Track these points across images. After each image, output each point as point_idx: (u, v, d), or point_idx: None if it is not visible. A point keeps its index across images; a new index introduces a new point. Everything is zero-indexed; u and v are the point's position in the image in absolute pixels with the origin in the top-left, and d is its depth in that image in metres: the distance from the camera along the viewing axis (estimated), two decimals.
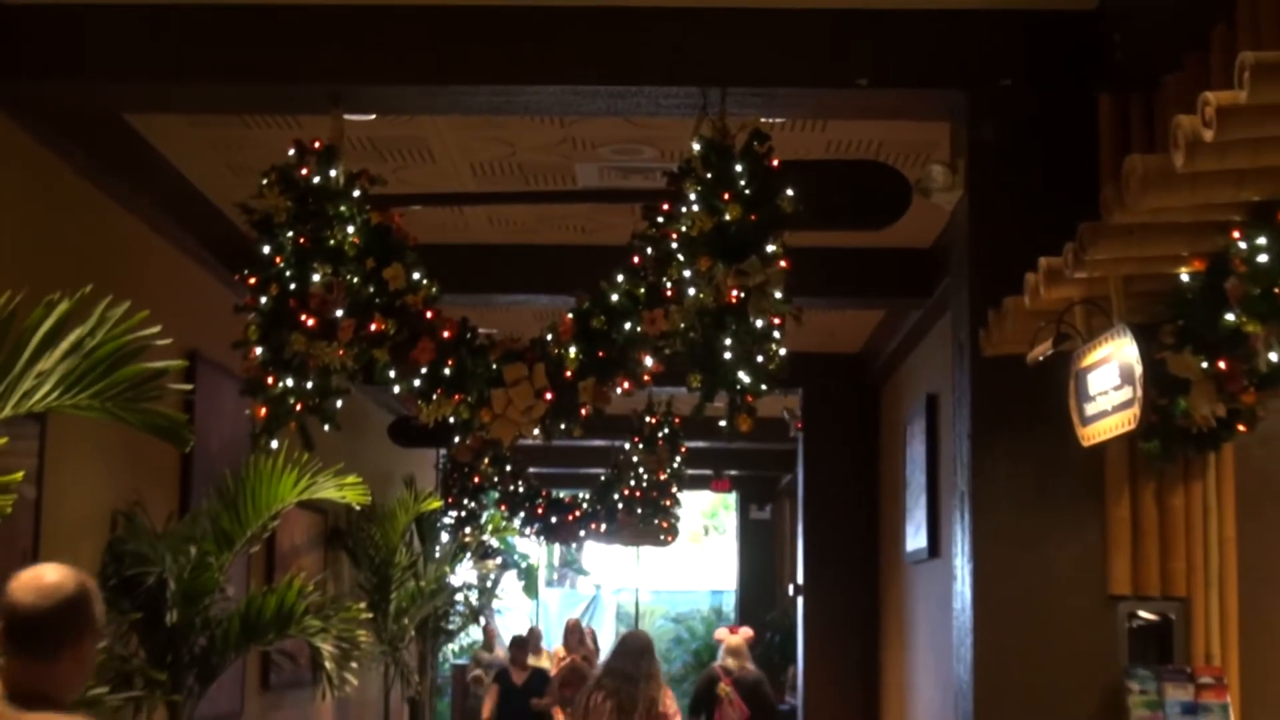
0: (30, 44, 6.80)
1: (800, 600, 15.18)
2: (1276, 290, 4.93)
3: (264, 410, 6.91)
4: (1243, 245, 5.06)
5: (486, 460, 16.74)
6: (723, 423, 6.90)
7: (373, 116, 7.81)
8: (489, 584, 19.78)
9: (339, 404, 7.07)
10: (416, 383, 6.96)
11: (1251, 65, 4.04)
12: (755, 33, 6.79)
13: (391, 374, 6.99)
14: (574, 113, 7.87)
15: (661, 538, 17.54)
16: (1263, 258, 4.94)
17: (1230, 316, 5.34)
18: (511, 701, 14.77)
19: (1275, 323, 5.04)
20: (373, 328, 6.89)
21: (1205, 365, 5.73)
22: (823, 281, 9.83)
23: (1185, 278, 5.64)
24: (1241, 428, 6.32)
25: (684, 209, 6.73)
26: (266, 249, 6.93)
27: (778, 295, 6.68)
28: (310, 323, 6.83)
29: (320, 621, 8.82)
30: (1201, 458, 6.65)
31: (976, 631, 6.69)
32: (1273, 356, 5.31)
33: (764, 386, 6.74)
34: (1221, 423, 6.17)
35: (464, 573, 17.89)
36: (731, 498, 26.19)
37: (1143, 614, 6.67)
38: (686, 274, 6.71)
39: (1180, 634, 6.66)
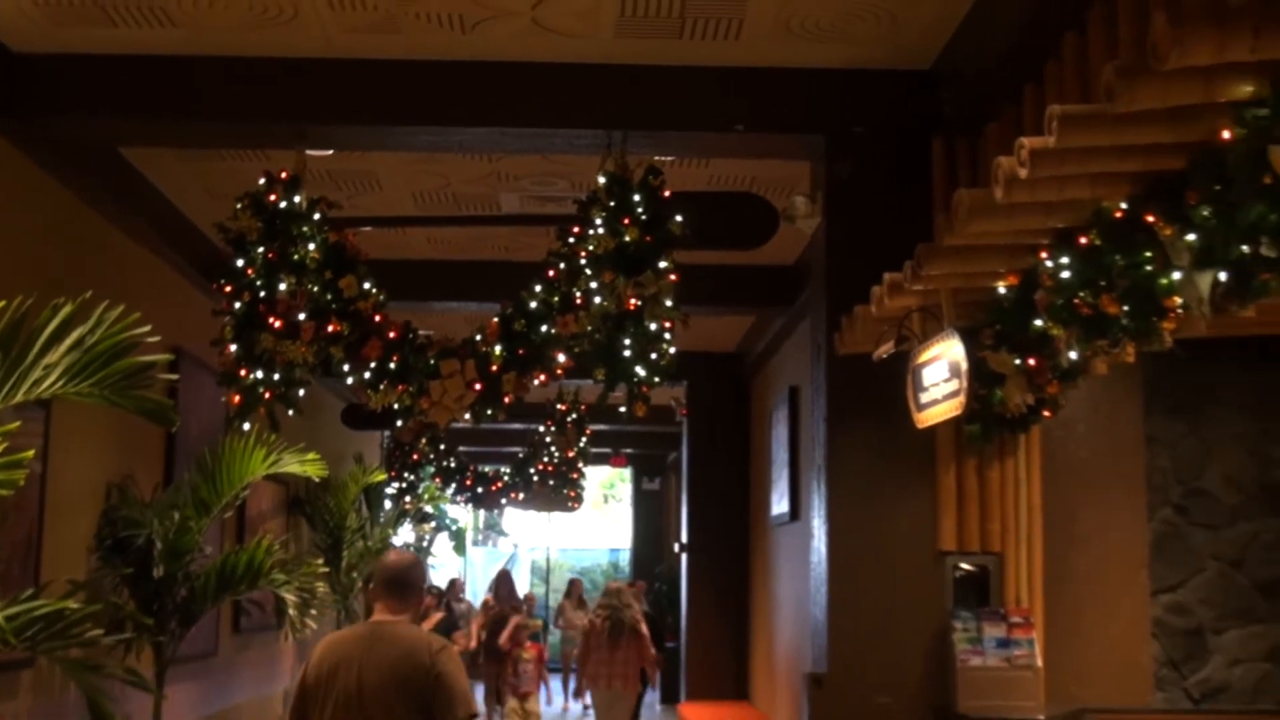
0: (37, 86, 6.69)
1: (684, 556, 15.23)
2: (1076, 301, 5.00)
3: (237, 398, 6.86)
4: (1049, 264, 5.12)
5: (425, 440, 16.69)
6: (622, 409, 6.92)
7: (331, 152, 7.75)
8: (425, 544, 19.70)
9: (301, 393, 7.01)
10: (366, 375, 6.96)
11: (1059, 116, 4.09)
12: (651, 86, 6.79)
13: (345, 368, 6.98)
14: (499, 150, 7.86)
15: (569, 505, 17.61)
16: (1065, 274, 5.00)
17: (1039, 322, 5.40)
18: None
19: (1075, 328, 5.11)
20: (330, 329, 6.88)
21: (1018, 362, 5.81)
22: (705, 292, 9.84)
23: (1002, 290, 5.70)
24: (1047, 413, 6.43)
25: (591, 231, 6.73)
26: (240, 262, 6.88)
27: (669, 303, 6.71)
28: (277, 324, 6.80)
29: (284, 575, 8.77)
30: (1014, 438, 6.74)
31: (830, 581, 6.73)
32: (1073, 355, 5.40)
33: (657, 379, 6.77)
34: (1030, 409, 6.27)
35: (404, 534, 17.83)
36: (627, 472, 26.19)
37: (965, 566, 6.74)
38: (593, 285, 6.71)
39: (996, 582, 6.73)
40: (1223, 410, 7.74)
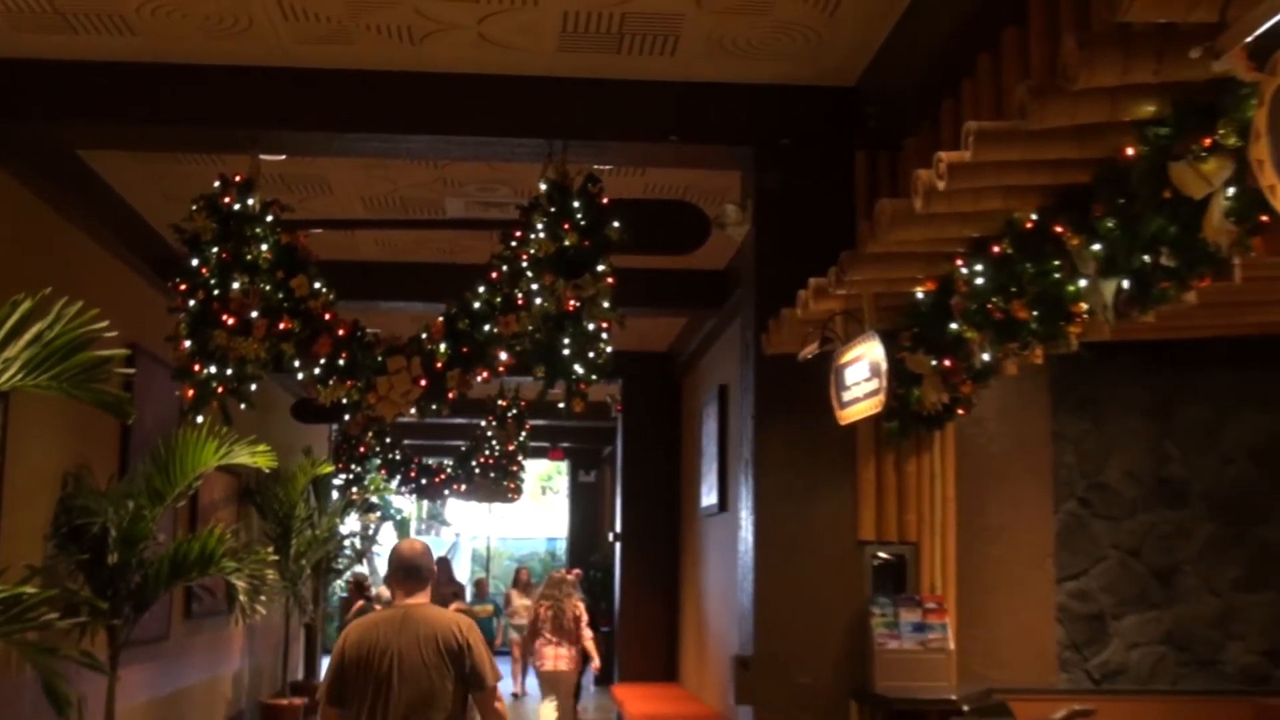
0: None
1: (618, 546, 15.23)
2: (989, 306, 5.04)
3: (191, 392, 6.79)
4: (964, 271, 5.16)
5: (371, 434, 16.59)
6: (561, 405, 6.91)
7: (283, 157, 7.66)
8: (370, 532, 19.58)
9: (253, 388, 6.95)
10: (316, 371, 6.91)
11: (975, 132, 4.12)
12: (591, 98, 6.79)
13: (296, 364, 6.93)
14: (445, 157, 7.82)
15: (509, 496, 17.55)
16: (979, 281, 5.05)
17: (954, 326, 5.44)
18: None
19: (988, 331, 5.15)
20: (281, 326, 6.83)
21: (934, 363, 5.85)
22: (641, 294, 9.84)
23: (920, 295, 5.74)
24: (961, 412, 6.48)
25: (532, 235, 6.73)
26: (195, 262, 6.82)
27: (606, 305, 6.71)
28: (230, 322, 6.74)
29: (235, 563, 8.69)
30: (930, 434, 6.79)
31: (756, 569, 6.76)
32: (985, 357, 5.43)
33: (594, 377, 6.77)
34: (945, 408, 6.32)
35: (350, 523, 17.71)
36: (564, 465, 26.13)
37: (883, 555, 6.77)
38: (534, 287, 6.70)
39: (912, 570, 6.78)
40: (1123, 409, 7.85)
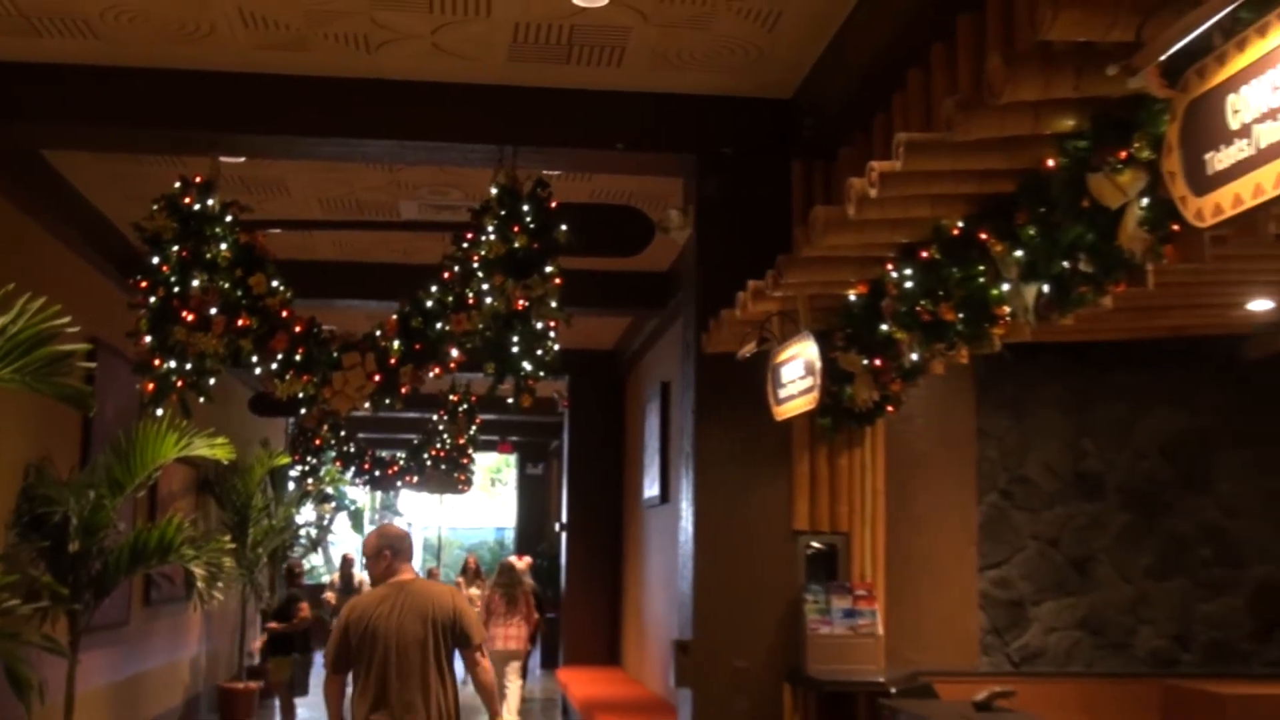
0: None
1: (564, 535, 15.22)
2: (917, 308, 5.08)
3: (151, 386, 6.71)
4: (894, 275, 5.19)
5: (327, 427, 16.46)
6: (510, 400, 6.89)
7: (243, 159, 7.59)
8: (325, 522, 19.44)
9: (211, 382, 6.88)
10: (273, 366, 6.86)
11: (905, 143, 4.15)
12: (541, 106, 6.77)
13: (254, 359, 6.87)
14: (399, 161, 7.77)
15: (459, 487, 17.53)
16: (908, 284, 5.08)
17: (884, 327, 5.47)
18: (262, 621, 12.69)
19: (916, 332, 5.18)
20: (240, 323, 6.78)
21: (865, 362, 5.88)
22: (587, 295, 9.82)
23: (853, 297, 5.76)
24: (890, 409, 6.52)
25: (483, 238, 6.70)
26: (155, 260, 6.74)
27: (554, 305, 6.71)
28: (190, 318, 6.67)
29: (194, 551, 8.61)
30: (861, 430, 6.82)
31: (695, 557, 6.76)
32: (914, 356, 5.47)
33: (542, 374, 6.76)
34: (876, 405, 6.35)
35: (306, 513, 17.58)
36: (513, 458, 26.08)
37: (816, 544, 6.80)
38: (485, 287, 6.68)
39: (843, 559, 6.80)
40: (1043, 407, 7.91)
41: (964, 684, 6.65)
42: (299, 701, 12.47)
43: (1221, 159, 2.66)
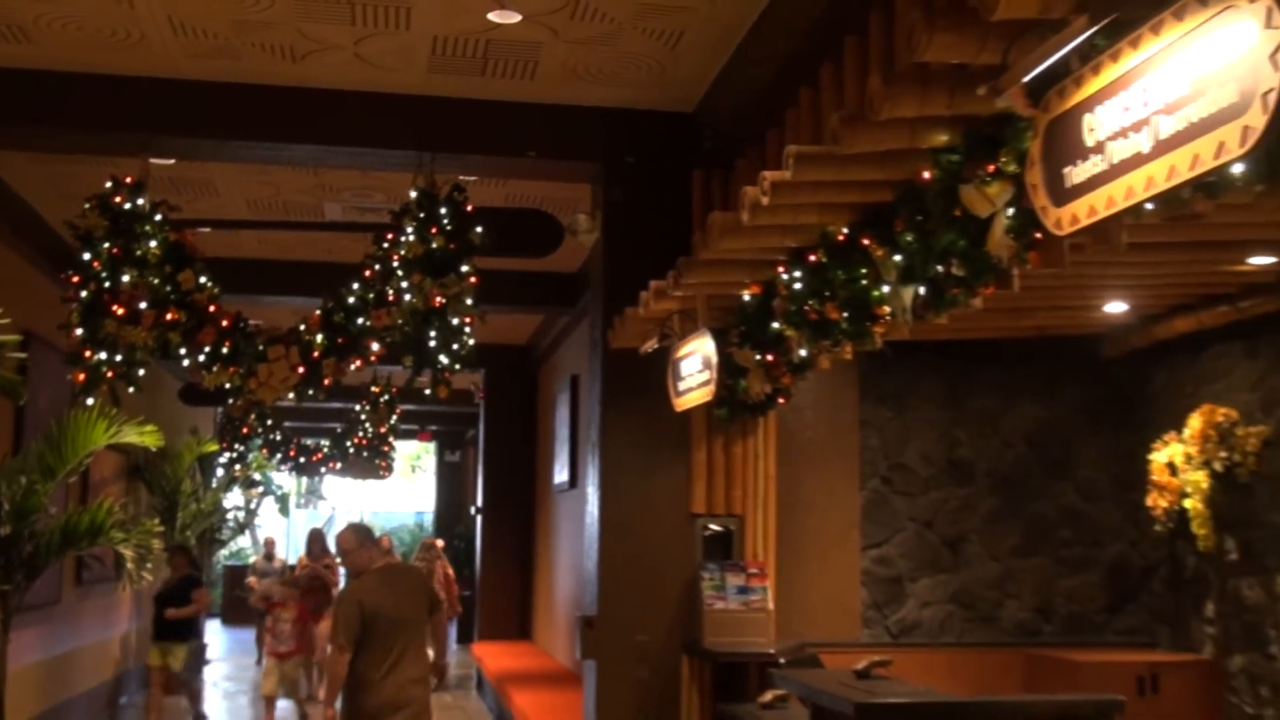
0: None
1: (479, 518, 15.13)
2: (805, 308, 5.12)
3: (82, 376, 6.53)
4: (785, 276, 5.23)
5: (253, 416, 16.17)
6: (427, 391, 6.84)
7: (173, 161, 7.41)
8: (252, 506, 19.10)
9: (141, 373, 6.72)
10: (201, 358, 6.72)
11: (794, 155, 4.18)
12: (458, 115, 6.71)
13: (182, 351, 6.73)
14: (324, 165, 7.65)
15: (380, 473, 17.30)
16: (797, 285, 5.12)
17: (776, 325, 5.51)
18: (155, 606, 10.41)
19: (804, 330, 5.22)
20: (168, 317, 6.62)
21: (758, 358, 5.91)
22: (502, 293, 9.76)
23: (747, 297, 5.79)
24: (781, 400, 6.55)
25: (403, 238, 6.63)
26: (87, 256, 6.55)
27: (469, 302, 6.65)
28: (120, 312, 6.50)
29: (123, 533, 8.37)
30: (754, 420, 6.86)
31: (601, 538, 6.76)
32: (802, 352, 5.51)
33: (457, 366, 6.71)
34: (768, 397, 6.39)
35: (234, 498, 17.26)
36: (432, 445, 25.84)
37: (713, 526, 6.83)
38: (404, 285, 6.61)
39: (737, 540, 6.85)
40: (920, 400, 8.03)
41: (847, 654, 6.73)
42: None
43: (1078, 173, 2.71)
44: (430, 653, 6.23)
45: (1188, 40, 2.29)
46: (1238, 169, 2.43)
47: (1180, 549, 7.54)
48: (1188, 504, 7.13)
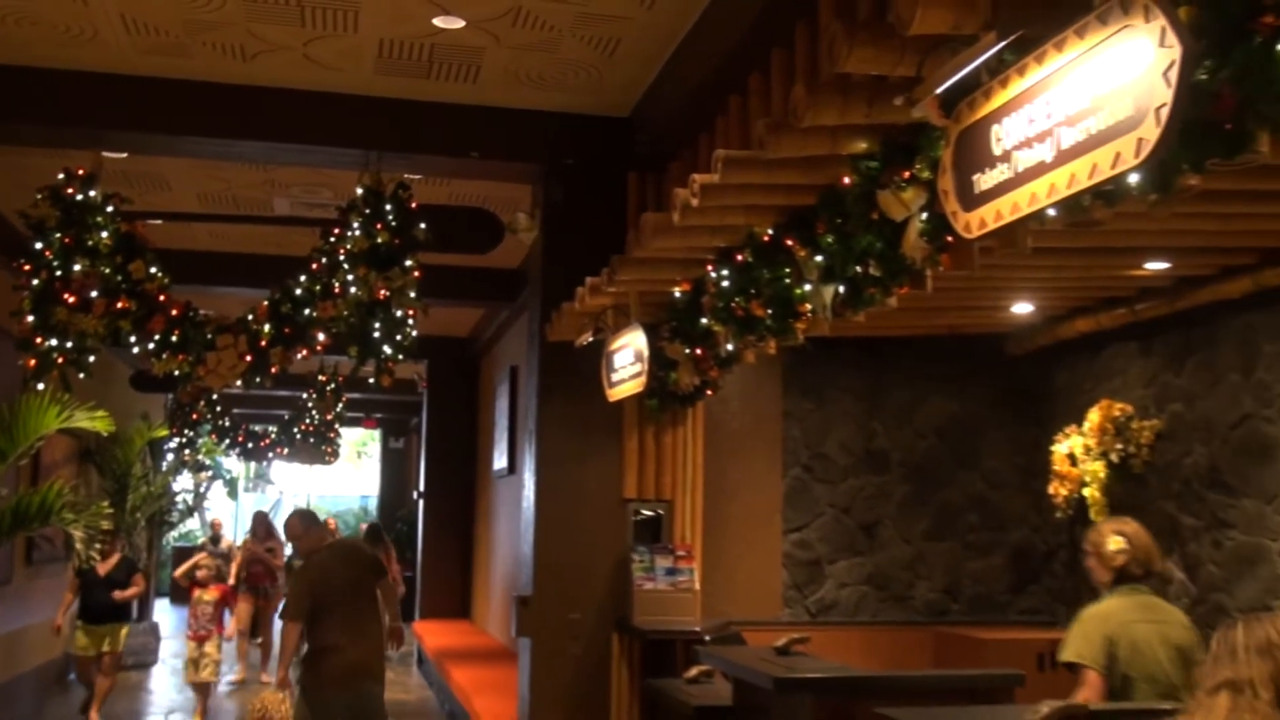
0: None
1: (421, 503, 15.03)
2: (732, 305, 5.13)
3: (33, 362, 6.41)
4: (713, 274, 5.24)
5: (203, 402, 15.92)
6: (371, 380, 6.77)
7: (125, 155, 7.28)
8: (202, 490, 18.81)
9: (91, 359, 6.59)
10: (151, 345, 6.61)
11: (723, 159, 4.19)
12: (404, 116, 6.63)
13: (132, 339, 6.62)
14: (273, 162, 7.53)
15: (327, 459, 17.13)
16: (725, 283, 5.13)
17: (704, 320, 5.52)
18: (93, 592, 9.48)
19: (731, 326, 5.24)
20: (119, 305, 6.52)
21: (688, 351, 5.92)
22: (445, 287, 9.68)
23: (678, 294, 5.80)
24: (709, 392, 6.58)
25: (349, 233, 6.56)
26: (39, 245, 6.42)
27: (413, 295, 6.60)
28: (71, 300, 6.38)
29: (73, 515, 8.20)
30: (683, 411, 6.86)
31: (537, 522, 6.74)
32: (729, 347, 5.53)
33: (401, 357, 6.66)
34: (697, 389, 6.40)
35: (183, 482, 16.98)
36: (377, 433, 25.60)
37: (643, 511, 6.83)
38: (349, 278, 6.54)
39: (666, 524, 6.85)
40: (840, 393, 8.09)
41: (768, 632, 6.75)
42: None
43: (986, 180, 2.73)
44: (385, 619, 6.48)
45: (1088, 57, 2.32)
46: (1133, 179, 2.47)
47: (1079, 534, 7.65)
48: (1086, 492, 7.25)
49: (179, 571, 10.71)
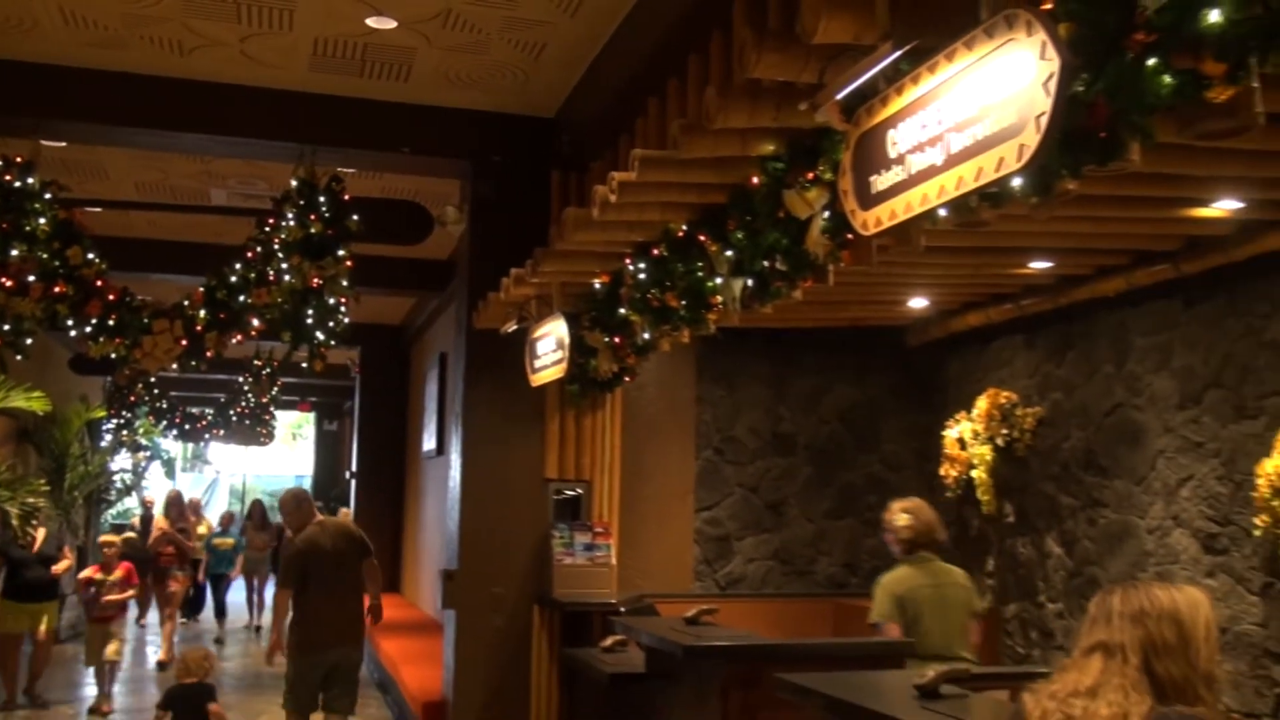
0: None
1: (354, 482, 14.85)
2: (649, 296, 5.13)
3: None
4: (631, 267, 5.23)
5: (141, 385, 15.55)
6: (304, 365, 6.67)
7: (64, 144, 7.06)
8: (139, 470, 18.37)
9: (29, 342, 6.40)
10: (88, 329, 6.44)
11: (639, 158, 4.18)
12: (337, 111, 6.52)
13: (69, 323, 6.44)
14: (209, 154, 7.37)
15: (262, 440, 16.85)
16: (642, 276, 5.13)
17: (623, 310, 5.52)
18: (25, 570, 8.67)
19: (648, 316, 5.24)
20: (57, 290, 6.33)
21: (607, 340, 5.91)
22: (378, 277, 9.56)
23: (597, 285, 5.79)
24: (627, 378, 6.58)
25: (284, 223, 6.45)
26: None
27: (345, 284, 6.52)
28: (9, 284, 6.19)
29: (9, 492, 7.98)
30: (602, 396, 6.86)
31: (463, 501, 6.70)
32: (646, 336, 5.53)
33: (333, 342, 6.59)
34: (615, 375, 6.40)
35: (121, 461, 16.56)
36: (312, 415, 25.24)
37: (564, 490, 6.82)
38: (284, 266, 6.43)
39: (585, 502, 6.85)
40: (750, 380, 8.12)
41: (680, 604, 6.75)
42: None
43: (882, 181, 2.75)
44: (367, 595, 6.55)
45: (976, 68, 2.35)
46: (1016, 182, 2.51)
47: (967, 513, 7.80)
48: (974, 474, 7.38)
49: (87, 564, 9.88)
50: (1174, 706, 2.06)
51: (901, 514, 4.92)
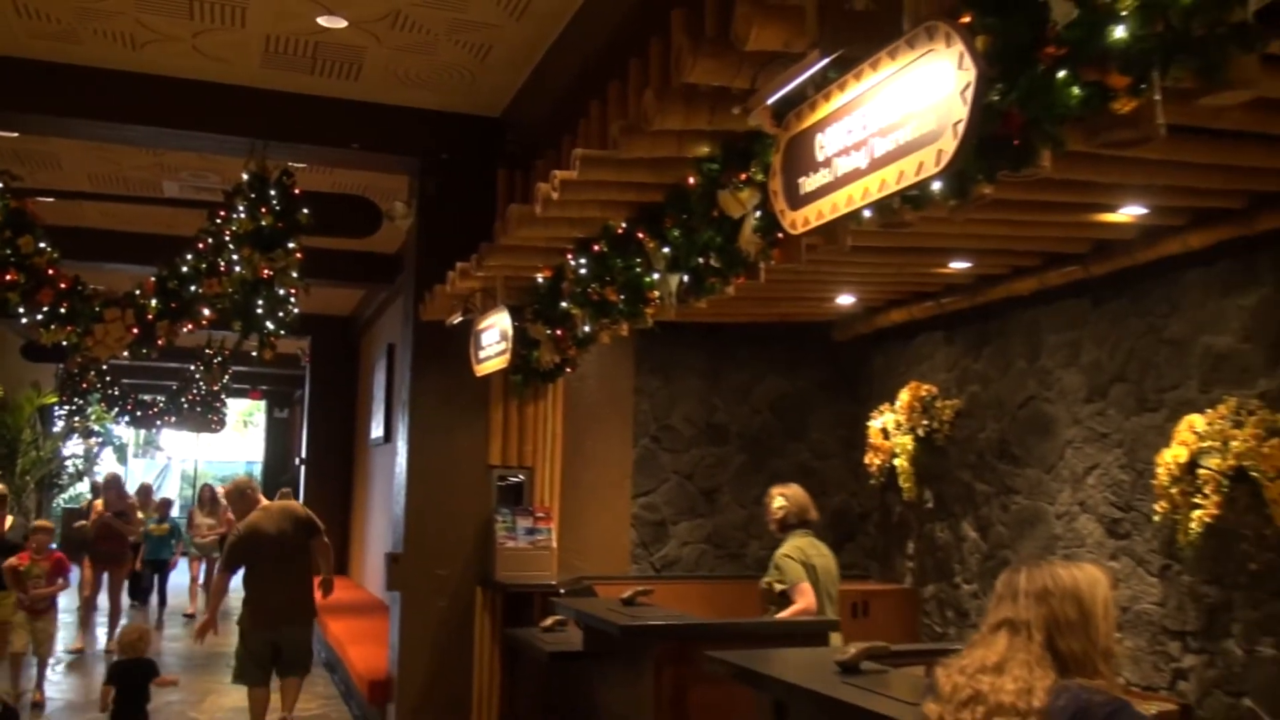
0: None
1: (303, 468, 14.66)
2: (589, 290, 5.12)
3: None
4: (572, 262, 5.22)
5: (93, 372, 15.20)
6: (254, 353, 6.56)
7: (16, 134, 6.88)
8: (92, 455, 17.98)
9: None
10: (39, 317, 6.29)
11: (581, 158, 4.17)
12: (289, 107, 6.42)
13: (20, 310, 6.28)
14: (162, 146, 7.21)
15: (213, 427, 16.57)
16: (583, 271, 5.11)
17: (564, 304, 5.50)
18: None
19: (588, 309, 5.23)
20: (8, 278, 6.19)
21: (549, 332, 5.89)
22: (327, 269, 9.44)
23: (540, 279, 5.76)
24: (568, 369, 6.55)
25: (235, 215, 6.34)
26: None
27: (295, 275, 6.42)
28: None
29: None
30: (545, 386, 6.82)
31: (408, 486, 6.64)
32: (586, 328, 5.51)
33: (282, 332, 6.48)
34: (557, 366, 6.36)
35: (73, 446, 16.20)
36: (263, 403, 24.84)
37: (507, 476, 6.79)
38: (234, 258, 6.33)
39: (528, 488, 6.83)
40: (685, 372, 8.15)
41: (617, 585, 6.77)
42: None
43: (810, 183, 2.77)
44: (321, 571, 6.66)
45: (899, 76, 2.37)
46: (936, 186, 2.54)
47: (889, 499, 7.90)
48: (897, 462, 7.47)
49: None
50: (1074, 679, 2.10)
51: (778, 496, 5.33)
